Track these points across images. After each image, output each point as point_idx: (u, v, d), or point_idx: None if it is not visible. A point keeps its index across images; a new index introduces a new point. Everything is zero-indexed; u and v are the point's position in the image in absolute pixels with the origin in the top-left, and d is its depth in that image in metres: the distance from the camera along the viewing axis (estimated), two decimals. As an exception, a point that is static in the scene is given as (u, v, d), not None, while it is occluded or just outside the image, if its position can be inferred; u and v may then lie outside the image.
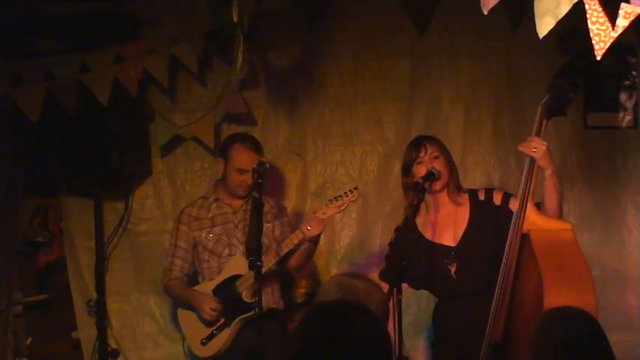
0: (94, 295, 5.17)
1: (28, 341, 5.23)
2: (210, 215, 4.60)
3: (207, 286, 4.52)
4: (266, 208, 4.53)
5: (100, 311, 5.14)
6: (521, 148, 3.68)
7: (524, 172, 3.68)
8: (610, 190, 5.11)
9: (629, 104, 5.12)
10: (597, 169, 5.13)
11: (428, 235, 3.99)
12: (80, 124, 4.76)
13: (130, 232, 5.24)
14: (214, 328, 4.46)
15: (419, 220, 4.01)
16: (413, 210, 3.84)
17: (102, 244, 5.17)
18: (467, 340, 3.74)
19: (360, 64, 5.20)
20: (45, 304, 5.32)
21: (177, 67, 4.98)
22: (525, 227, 3.61)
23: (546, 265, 3.43)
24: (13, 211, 5.33)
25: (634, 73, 5.09)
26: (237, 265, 4.47)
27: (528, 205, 3.63)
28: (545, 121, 3.70)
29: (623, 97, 5.13)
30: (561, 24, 4.02)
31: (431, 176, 3.90)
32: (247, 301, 4.39)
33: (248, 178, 4.36)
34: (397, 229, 4.08)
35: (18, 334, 5.25)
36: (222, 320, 4.46)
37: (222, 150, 4.62)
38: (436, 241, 3.98)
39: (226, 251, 4.55)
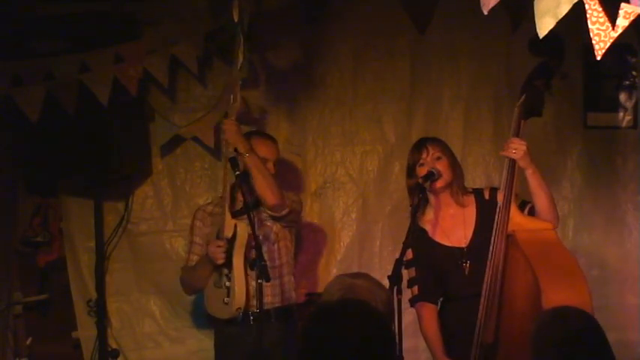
0: (94, 295, 5.17)
1: (28, 341, 5.24)
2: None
3: None
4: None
5: (100, 311, 5.13)
6: (502, 153, 3.74)
7: (505, 174, 3.72)
8: (610, 190, 5.12)
9: (629, 104, 5.13)
10: (597, 169, 5.13)
11: (439, 239, 4.01)
12: (80, 124, 4.76)
13: (130, 232, 5.23)
14: (224, 282, 4.37)
15: (428, 227, 4.03)
16: (414, 210, 3.85)
17: (102, 244, 5.16)
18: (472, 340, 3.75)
19: (360, 64, 5.20)
20: (45, 304, 5.32)
21: (177, 67, 4.98)
22: (509, 228, 3.63)
23: (539, 265, 3.46)
24: (13, 211, 5.33)
25: (634, 73, 5.10)
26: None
27: (512, 206, 3.66)
28: (522, 121, 3.74)
29: (623, 97, 5.13)
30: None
31: (431, 176, 3.92)
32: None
33: (270, 168, 4.43)
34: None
35: (18, 334, 5.25)
36: (226, 271, 4.38)
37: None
38: (447, 244, 4.00)
39: None
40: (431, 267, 4.02)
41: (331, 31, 5.14)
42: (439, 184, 3.96)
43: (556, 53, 3.76)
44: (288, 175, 5.24)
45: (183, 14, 4.96)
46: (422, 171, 3.95)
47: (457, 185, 4.02)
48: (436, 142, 4.08)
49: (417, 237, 3.98)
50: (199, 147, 5.18)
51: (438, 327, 4.00)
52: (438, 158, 3.98)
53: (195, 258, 4.53)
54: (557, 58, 3.78)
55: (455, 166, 4.04)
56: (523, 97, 3.75)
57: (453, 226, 4.00)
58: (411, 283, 4.04)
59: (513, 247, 3.62)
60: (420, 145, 4.03)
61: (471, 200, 4.02)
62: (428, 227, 4.04)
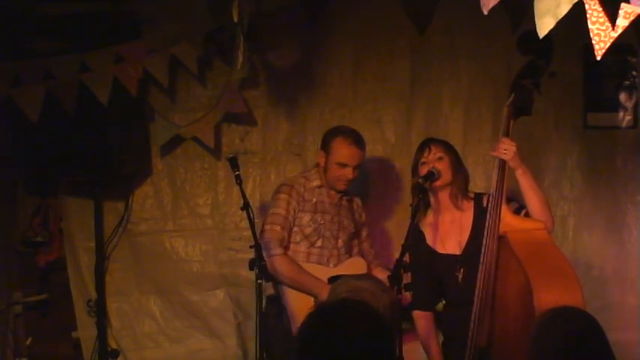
0: (94, 295, 5.17)
1: (28, 341, 5.24)
2: (314, 200, 4.49)
3: (320, 272, 4.38)
4: (355, 207, 4.62)
5: (100, 311, 5.14)
6: (493, 154, 3.72)
7: (495, 174, 3.69)
8: (610, 190, 5.12)
9: (629, 104, 5.12)
10: (597, 169, 5.13)
11: (436, 245, 4.01)
12: (80, 124, 4.76)
13: (130, 232, 5.24)
14: None
15: (427, 230, 4.03)
16: (414, 210, 3.84)
17: (102, 244, 5.17)
18: None
19: (360, 64, 5.20)
20: (45, 304, 5.33)
21: (177, 67, 4.98)
22: (501, 229, 3.62)
23: (531, 265, 3.45)
24: (13, 211, 5.33)
25: (634, 73, 5.09)
26: (356, 266, 4.44)
27: (502, 207, 3.64)
28: (512, 121, 3.72)
29: (623, 97, 5.13)
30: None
31: (430, 176, 3.90)
32: None
33: (349, 172, 4.40)
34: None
35: (18, 334, 5.26)
36: None
37: (323, 143, 4.52)
38: (443, 251, 3.99)
39: (319, 242, 4.46)
40: (427, 273, 4.01)
41: (331, 32, 5.14)
42: (437, 183, 3.94)
43: (543, 52, 3.74)
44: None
45: (183, 14, 4.96)
46: (423, 170, 3.95)
47: (457, 188, 3.99)
48: (440, 142, 4.06)
49: (415, 241, 3.98)
50: (199, 147, 5.18)
51: (434, 334, 4.03)
52: (440, 158, 3.97)
53: (282, 232, 4.38)
54: (544, 57, 3.76)
55: (457, 169, 4.00)
56: (512, 96, 3.73)
57: (449, 232, 3.99)
58: (407, 288, 4.04)
59: (505, 248, 3.60)
60: (424, 145, 4.03)
61: (469, 205, 3.99)
62: (427, 231, 4.03)
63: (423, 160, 3.97)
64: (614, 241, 5.10)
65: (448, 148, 4.04)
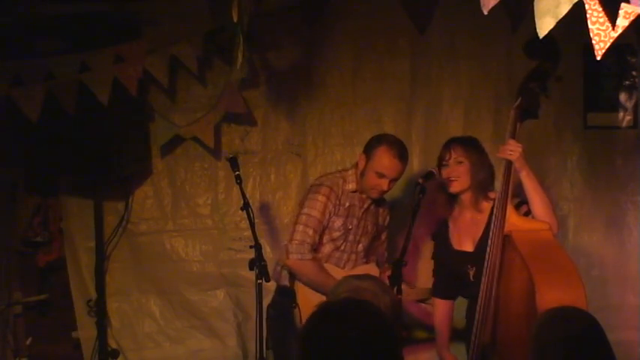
0: (94, 295, 5.17)
1: (28, 341, 5.24)
2: (347, 205, 4.39)
3: (333, 273, 4.29)
4: (381, 211, 4.54)
5: (100, 311, 5.14)
6: (499, 155, 3.76)
7: (502, 175, 3.73)
8: (610, 190, 5.12)
9: (629, 104, 5.13)
10: (597, 169, 5.13)
11: (453, 241, 4.07)
12: (80, 124, 4.76)
13: (130, 232, 5.24)
14: None
15: (450, 224, 4.09)
16: (414, 210, 3.85)
17: (102, 244, 5.17)
18: None
19: (360, 64, 5.20)
20: (45, 304, 5.33)
21: (177, 67, 4.98)
22: (506, 229, 3.66)
23: (535, 265, 3.48)
24: (13, 211, 5.33)
25: (634, 73, 5.09)
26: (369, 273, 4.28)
27: (508, 207, 3.66)
28: (518, 124, 3.76)
29: (623, 97, 5.13)
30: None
31: (430, 175, 3.93)
32: None
33: (384, 184, 4.25)
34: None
35: (18, 334, 5.26)
36: None
37: (366, 147, 4.36)
38: (458, 248, 4.05)
39: (343, 246, 4.40)
40: (443, 266, 4.12)
41: (331, 31, 5.14)
42: (453, 188, 3.98)
43: (551, 56, 3.77)
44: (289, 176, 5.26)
45: (183, 14, 4.96)
46: (443, 172, 3.97)
47: (476, 192, 3.99)
48: (462, 145, 4.03)
49: (440, 232, 4.08)
50: (199, 147, 5.18)
51: (445, 321, 4.14)
52: (459, 162, 3.97)
53: (313, 235, 4.29)
54: (552, 61, 3.79)
55: (477, 172, 3.98)
56: (519, 99, 3.77)
57: (466, 230, 4.03)
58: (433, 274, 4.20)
59: (510, 247, 3.64)
60: (446, 146, 4.04)
61: (488, 206, 3.98)
62: (450, 224, 4.10)
63: (444, 162, 3.99)
64: (614, 241, 5.11)
65: (470, 150, 4.02)
